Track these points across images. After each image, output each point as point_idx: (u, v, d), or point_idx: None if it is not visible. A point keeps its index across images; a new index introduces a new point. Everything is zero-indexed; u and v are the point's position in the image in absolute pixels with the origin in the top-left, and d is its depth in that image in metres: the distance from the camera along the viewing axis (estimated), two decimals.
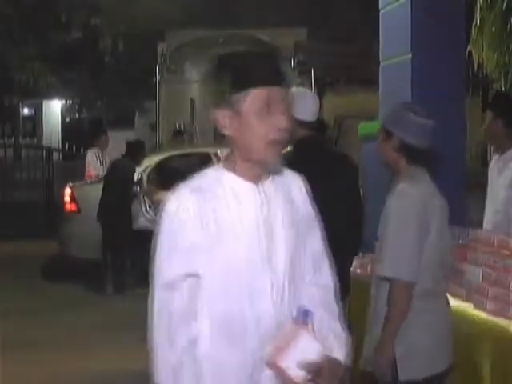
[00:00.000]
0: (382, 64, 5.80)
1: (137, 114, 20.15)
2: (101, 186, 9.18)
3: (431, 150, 3.16)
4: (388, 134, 3.11)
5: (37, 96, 17.96)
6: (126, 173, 8.67)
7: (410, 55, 5.29)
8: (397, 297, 2.90)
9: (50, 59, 13.60)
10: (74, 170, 14.50)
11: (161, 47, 14.34)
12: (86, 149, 14.97)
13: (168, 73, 14.08)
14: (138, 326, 7.08)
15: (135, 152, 9.00)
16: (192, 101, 19.35)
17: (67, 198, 9.37)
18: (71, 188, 9.48)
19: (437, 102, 4.96)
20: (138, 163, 8.93)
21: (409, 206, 2.94)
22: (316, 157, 3.68)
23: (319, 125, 5.03)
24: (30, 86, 13.56)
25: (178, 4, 14.15)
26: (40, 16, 13.19)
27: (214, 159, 9.06)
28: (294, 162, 3.68)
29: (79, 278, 9.25)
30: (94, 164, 10.47)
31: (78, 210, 9.25)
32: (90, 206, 9.01)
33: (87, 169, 10.57)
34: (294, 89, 3.86)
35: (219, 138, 20.34)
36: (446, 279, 3.14)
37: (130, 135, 15.52)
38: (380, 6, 5.87)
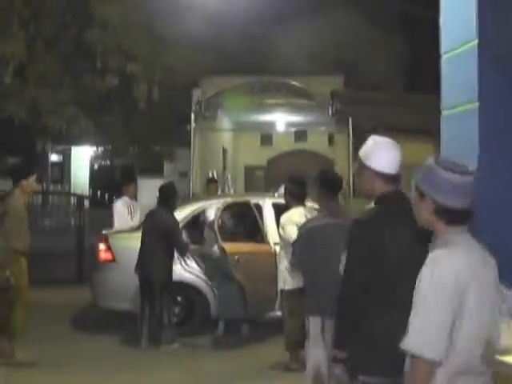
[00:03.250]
0: (444, 113, 5.59)
1: (165, 161, 20.19)
2: (137, 234, 9.00)
3: (471, 209, 2.86)
4: (422, 195, 2.83)
5: (69, 142, 18.05)
6: (163, 222, 8.34)
7: (478, 104, 5.08)
8: (416, 375, 2.66)
9: (84, 105, 13.63)
10: (102, 217, 14.40)
11: (196, 94, 14.36)
12: (116, 196, 14.99)
13: (202, 120, 14.04)
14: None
15: (167, 197, 8.58)
16: (224, 149, 19.41)
17: (102, 247, 9.15)
18: (106, 236, 9.27)
19: (506, 154, 4.74)
20: (173, 207, 8.62)
21: (440, 279, 2.66)
22: (400, 213, 3.35)
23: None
24: (63, 132, 13.53)
25: (215, 51, 14.19)
26: (76, 62, 13.29)
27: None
28: (378, 220, 3.41)
29: (112, 330, 9.04)
30: (122, 212, 10.30)
31: (114, 259, 9.02)
32: (126, 255, 8.82)
33: (115, 218, 10.41)
34: (373, 138, 3.62)
35: (250, 187, 20.33)
36: (489, 358, 2.78)
37: (159, 183, 15.41)
38: (442, 52, 5.69)
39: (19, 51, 12.31)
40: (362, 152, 3.53)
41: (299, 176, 7.77)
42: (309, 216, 7.19)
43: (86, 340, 8.81)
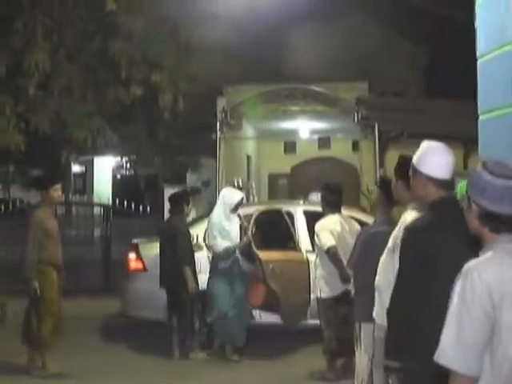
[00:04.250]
0: (481, 117, 5.57)
1: (189, 170, 20.23)
2: None
3: None
4: (469, 201, 2.78)
5: (92, 153, 18.14)
6: (178, 232, 8.35)
7: None
8: None
9: (109, 116, 13.70)
10: (126, 227, 14.48)
11: (221, 102, 14.37)
12: (140, 206, 15.06)
13: (228, 129, 14.06)
14: None
15: (175, 204, 8.70)
16: (248, 157, 19.42)
17: (132, 256, 9.20)
18: (136, 245, 9.32)
19: None
20: (182, 213, 8.67)
21: (471, 292, 2.59)
22: (453, 220, 3.25)
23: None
24: (88, 143, 13.61)
25: (239, 60, 14.23)
26: (99, 72, 13.35)
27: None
28: (430, 227, 3.32)
29: (142, 340, 9.07)
30: None
31: (144, 268, 9.07)
32: (157, 264, 8.86)
33: None
34: (426, 143, 3.61)
35: (273, 195, 20.25)
36: None
37: None
38: (478, 54, 5.66)
39: (43, 62, 12.42)
40: (415, 157, 3.51)
41: (334, 183, 7.79)
42: (344, 224, 7.20)
43: (115, 350, 8.84)
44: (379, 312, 4.47)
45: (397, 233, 4.41)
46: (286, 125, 17.89)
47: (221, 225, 8.15)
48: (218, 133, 13.75)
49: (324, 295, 7.10)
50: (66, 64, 13.14)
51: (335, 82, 15.35)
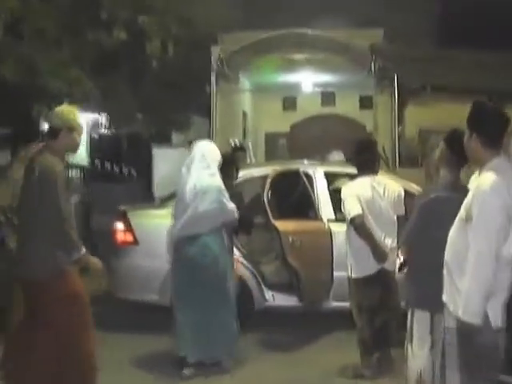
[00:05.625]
0: None
1: (176, 129, 19.39)
2: (162, 211, 8.15)
3: None
4: None
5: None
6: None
7: None
8: None
9: (88, 64, 12.82)
10: (108, 192, 13.66)
11: (215, 51, 13.46)
12: (123, 169, 14.28)
13: (224, 81, 13.22)
14: None
15: (228, 168, 7.28)
16: (244, 114, 18.59)
17: (120, 226, 8.35)
18: (124, 213, 8.45)
19: None
20: (234, 179, 7.51)
21: None
22: None
23: None
24: (63, 96, 12.74)
25: (237, 3, 13.41)
26: (77, 13, 12.46)
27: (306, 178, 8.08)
28: None
29: (134, 326, 8.35)
30: None
31: (135, 241, 8.24)
32: (150, 237, 8.08)
33: None
34: None
35: (271, 155, 19.46)
36: None
37: (169, 152, 14.42)
38: None
39: (11, 1, 11.55)
40: None
41: (364, 140, 7.11)
42: (378, 188, 6.48)
43: (102, 337, 8.09)
44: (450, 296, 3.83)
45: (471, 199, 3.76)
46: (287, 78, 17.04)
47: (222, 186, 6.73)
48: (213, 86, 12.91)
49: (354, 274, 6.42)
50: (37, 4, 12.25)
51: (347, 29, 14.55)
